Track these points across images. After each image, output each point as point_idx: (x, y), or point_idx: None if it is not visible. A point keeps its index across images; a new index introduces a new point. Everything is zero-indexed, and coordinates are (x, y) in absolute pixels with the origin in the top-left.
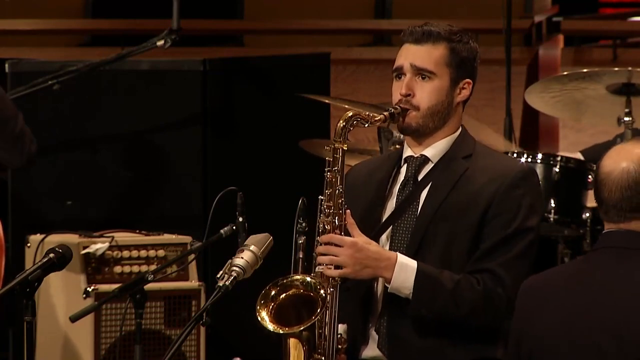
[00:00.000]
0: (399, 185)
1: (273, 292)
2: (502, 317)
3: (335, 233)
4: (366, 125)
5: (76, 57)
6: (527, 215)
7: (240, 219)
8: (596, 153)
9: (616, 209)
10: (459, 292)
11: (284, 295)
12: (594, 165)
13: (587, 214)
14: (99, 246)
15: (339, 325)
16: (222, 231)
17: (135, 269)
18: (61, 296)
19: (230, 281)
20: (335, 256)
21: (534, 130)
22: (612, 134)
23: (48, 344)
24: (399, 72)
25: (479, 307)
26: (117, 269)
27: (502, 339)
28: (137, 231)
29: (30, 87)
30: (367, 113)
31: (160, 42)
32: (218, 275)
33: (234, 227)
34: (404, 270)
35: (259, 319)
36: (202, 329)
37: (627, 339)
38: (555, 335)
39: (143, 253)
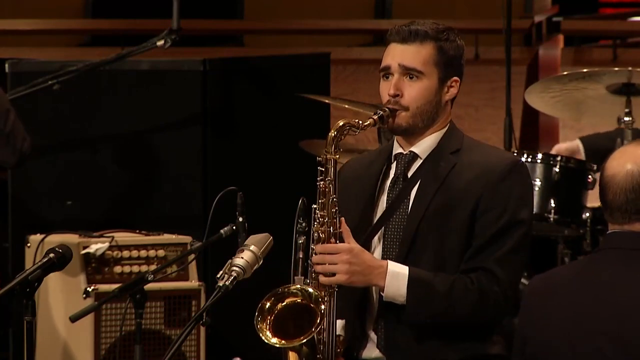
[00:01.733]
0: (389, 182)
1: (268, 304)
2: (501, 313)
3: (330, 241)
4: (357, 132)
5: (76, 57)
6: (517, 207)
7: (240, 219)
8: (596, 142)
9: (621, 212)
10: (453, 295)
11: (280, 305)
12: (594, 166)
13: (587, 214)
14: (99, 246)
15: (337, 322)
16: (222, 231)
17: (135, 269)
18: (61, 296)
19: (230, 281)
20: (331, 263)
21: (534, 130)
22: None
23: (48, 344)
24: (387, 72)
25: (476, 307)
26: (117, 269)
27: (500, 335)
28: (137, 231)
29: (30, 87)
30: (357, 120)
31: (160, 42)
32: (218, 275)
33: (234, 227)
34: (396, 278)
35: (262, 337)
36: (202, 329)
37: (631, 340)
38: (559, 336)
39: (143, 253)
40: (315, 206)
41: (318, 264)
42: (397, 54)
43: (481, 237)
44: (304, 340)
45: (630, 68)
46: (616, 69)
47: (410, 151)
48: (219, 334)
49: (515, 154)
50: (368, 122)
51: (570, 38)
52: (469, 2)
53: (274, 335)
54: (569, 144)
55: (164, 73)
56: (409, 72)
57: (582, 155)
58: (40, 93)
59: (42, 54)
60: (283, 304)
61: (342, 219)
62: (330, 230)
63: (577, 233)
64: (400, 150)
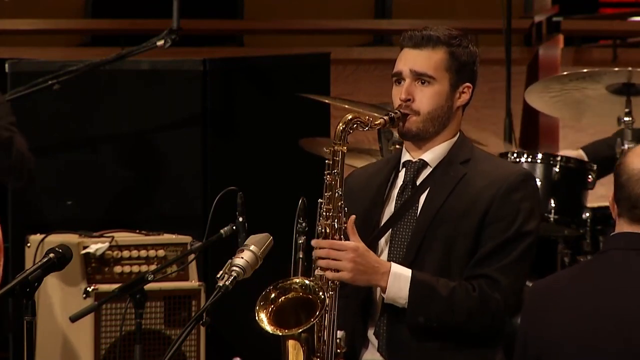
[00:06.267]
0: (398, 189)
1: (273, 295)
2: (500, 321)
3: (335, 236)
4: (366, 129)
5: (76, 57)
6: (526, 219)
7: (240, 219)
8: (597, 149)
9: None
10: (454, 300)
11: (283, 297)
12: (594, 165)
13: (587, 214)
14: (99, 246)
15: (338, 332)
16: (222, 231)
17: (135, 269)
18: (61, 296)
19: (230, 281)
20: (336, 260)
21: (534, 130)
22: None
23: (48, 344)
24: (399, 77)
25: (476, 313)
26: (117, 269)
27: (502, 343)
28: (137, 231)
29: (30, 87)
30: (367, 117)
31: (160, 42)
32: (218, 275)
33: (234, 227)
34: (398, 279)
35: (258, 320)
36: (202, 329)
37: (636, 341)
38: (564, 338)
39: (143, 253)
40: (321, 200)
41: (322, 258)
42: (409, 59)
43: (487, 245)
44: (303, 329)
45: (630, 68)
46: (616, 69)
47: (420, 159)
48: (219, 334)
49: (515, 155)
50: (378, 121)
51: (570, 38)
52: (469, 2)
53: (272, 325)
54: (573, 152)
55: (164, 73)
56: (420, 77)
57: None
58: (40, 93)
59: (42, 54)
60: (286, 297)
61: (352, 217)
62: (335, 225)
63: (577, 233)
64: (409, 157)
